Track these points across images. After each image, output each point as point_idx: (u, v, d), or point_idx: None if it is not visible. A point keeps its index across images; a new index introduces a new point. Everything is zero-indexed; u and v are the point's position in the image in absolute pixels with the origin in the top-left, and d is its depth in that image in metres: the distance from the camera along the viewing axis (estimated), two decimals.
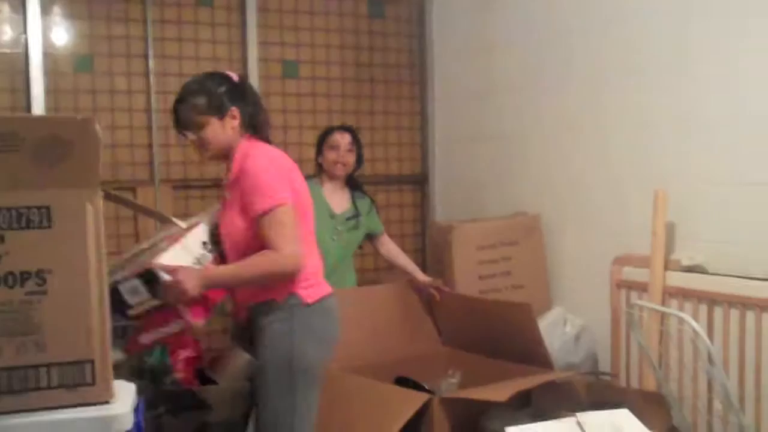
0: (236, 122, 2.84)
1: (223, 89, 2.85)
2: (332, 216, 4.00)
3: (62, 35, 4.37)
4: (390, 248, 4.28)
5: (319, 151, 4.12)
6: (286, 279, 2.71)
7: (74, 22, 4.39)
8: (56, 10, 4.34)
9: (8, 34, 4.24)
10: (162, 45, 4.57)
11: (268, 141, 2.93)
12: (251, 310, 2.82)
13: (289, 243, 2.64)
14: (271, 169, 2.73)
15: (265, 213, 2.64)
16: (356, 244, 4.17)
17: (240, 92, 2.89)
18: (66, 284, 1.50)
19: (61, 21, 4.36)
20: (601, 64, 4.03)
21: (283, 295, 2.76)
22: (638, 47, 3.83)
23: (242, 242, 2.73)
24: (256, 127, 2.90)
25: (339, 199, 4.09)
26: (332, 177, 4.06)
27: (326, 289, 2.88)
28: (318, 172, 4.11)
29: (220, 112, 2.83)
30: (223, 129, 2.83)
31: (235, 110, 2.83)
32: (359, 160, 4.14)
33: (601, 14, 4.02)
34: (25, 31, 4.22)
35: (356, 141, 4.12)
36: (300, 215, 2.75)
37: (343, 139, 4.06)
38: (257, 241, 2.67)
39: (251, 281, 2.72)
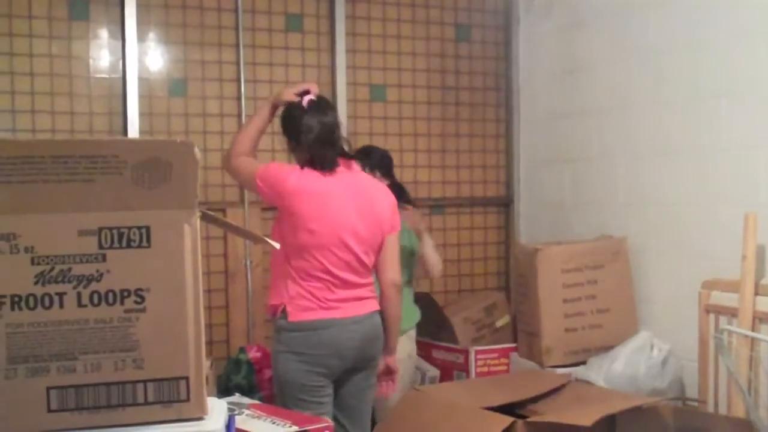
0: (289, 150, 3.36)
1: (284, 120, 3.34)
2: None
3: (158, 60, 4.50)
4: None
5: None
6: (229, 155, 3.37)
7: (169, 47, 4.52)
8: (152, 36, 4.48)
9: (107, 59, 4.39)
10: (253, 69, 4.68)
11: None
12: None
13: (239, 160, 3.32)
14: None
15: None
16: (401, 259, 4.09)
17: (294, 123, 3.28)
18: (163, 302, 1.54)
19: (156, 46, 4.50)
20: (692, 86, 3.99)
21: (275, 310, 3.22)
22: (731, 69, 3.78)
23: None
24: (311, 161, 3.23)
25: None
26: None
27: (317, 315, 3.13)
28: None
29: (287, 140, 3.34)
30: (290, 153, 3.40)
31: (286, 141, 3.33)
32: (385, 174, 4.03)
33: (693, 35, 3.98)
34: (122, 57, 4.36)
35: (367, 161, 3.92)
36: (308, 230, 3.13)
37: None
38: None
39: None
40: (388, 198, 3.39)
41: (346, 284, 3.20)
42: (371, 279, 3.35)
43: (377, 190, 3.38)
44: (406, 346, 3.89)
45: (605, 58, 4.55)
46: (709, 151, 3.90)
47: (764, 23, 3.63)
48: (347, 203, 3.19)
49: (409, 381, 4.05)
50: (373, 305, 3.32)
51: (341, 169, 3.23)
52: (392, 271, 3.36)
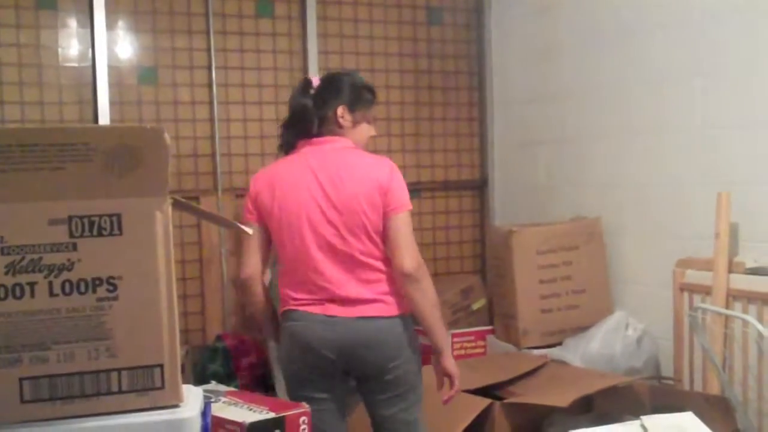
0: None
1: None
2: None
3: (127, 48, 4.47)
4: None
5: None
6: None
7: (139, 35, 4.48)
8: (121, 24, 4.44)
9: (76, 48, 4.35)
10: (224, 56, 4.65)
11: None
12: None
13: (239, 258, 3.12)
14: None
15: None
16: None
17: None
18: (136, 290, 1.53)
19: (125, 35, 4.46)
20: (664, 66, 4.00)
21: None
22: (702, 48, 3.79)
23: None
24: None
25: None
26: None
27: (288, 305, 2.98)
28: None
29: None
30: None
31: None
32: None
33: (663, 15, 3.99)
34: (92, 46, 4.33)
35: None
36: (277, 229, 2.94)
37: None
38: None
39: None
40: (377, 172, 2.90)
41: (329, 280, 2.89)
42: (369, 272, 2.94)
43: (357, 162, 2.94)
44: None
45: (577, 39, 4.56)
46: (682, 131, 3.92)
47: (738, 1, 3.64)
48: (308, 179, 2.90)
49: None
50: (373, 309, 2.90)
51: (306, 150, 2.96)
52: (401, 257, 2.87)
